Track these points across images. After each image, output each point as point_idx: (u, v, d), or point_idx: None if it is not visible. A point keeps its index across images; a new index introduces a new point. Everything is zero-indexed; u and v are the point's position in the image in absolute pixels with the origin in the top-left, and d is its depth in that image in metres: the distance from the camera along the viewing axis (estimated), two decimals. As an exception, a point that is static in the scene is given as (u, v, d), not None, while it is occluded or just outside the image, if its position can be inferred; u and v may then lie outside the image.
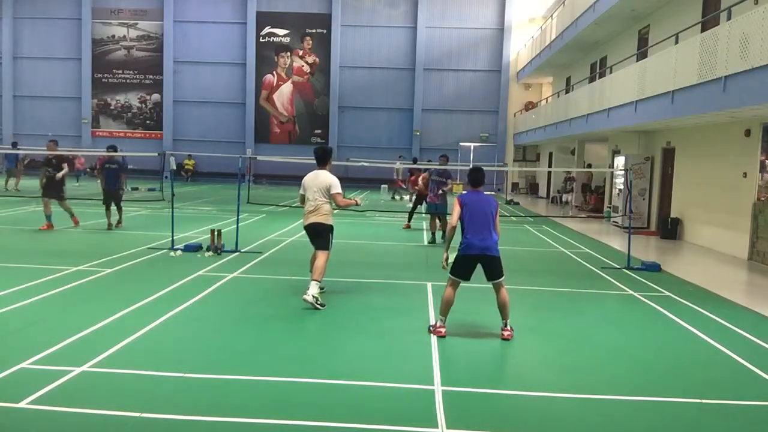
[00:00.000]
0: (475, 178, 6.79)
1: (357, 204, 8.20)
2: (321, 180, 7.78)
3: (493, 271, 6.55)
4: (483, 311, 7.45)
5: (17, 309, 6.98)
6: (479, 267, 6.60)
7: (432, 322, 6.97)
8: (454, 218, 6.61)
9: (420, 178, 15.34)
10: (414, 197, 16.72)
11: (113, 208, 13.98)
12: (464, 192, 6.86)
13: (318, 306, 7.37)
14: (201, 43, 36.47)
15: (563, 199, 25.30)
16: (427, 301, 8.16)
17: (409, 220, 16.17)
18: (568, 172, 24.95)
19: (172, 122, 36.96)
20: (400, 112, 36.27)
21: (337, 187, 7.75)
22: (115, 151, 14.05)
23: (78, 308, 7.20)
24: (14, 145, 27.03)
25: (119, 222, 14.08)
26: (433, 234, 13.92)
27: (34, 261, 9.79)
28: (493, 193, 28.42)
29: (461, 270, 6.59)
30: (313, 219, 7.76)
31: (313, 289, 7.43)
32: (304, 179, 7.93)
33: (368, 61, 36.10)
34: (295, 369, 5.44)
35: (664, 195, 17.32)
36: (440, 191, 13.52)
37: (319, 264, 7.62)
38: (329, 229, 7.85)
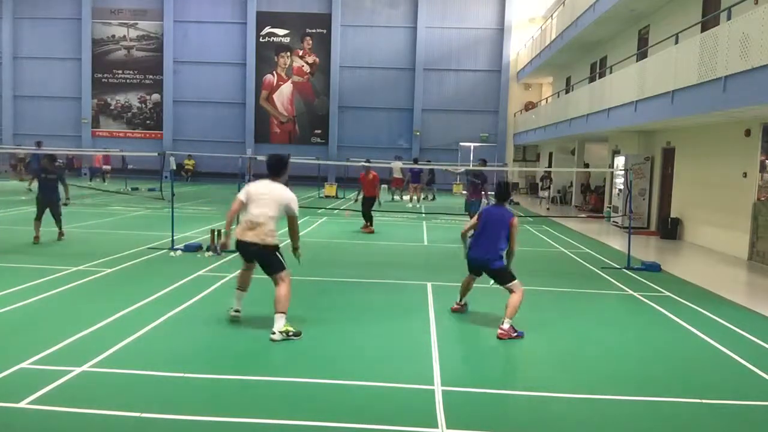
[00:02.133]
0: (499, 193, 7.33)
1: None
2: (277, 193, 6.57)
3: (498, 279, 7.07)
4: (483, 312, 7.46)
5: (17, 309, 6.98)
6: None
7: (432, 322, 7.05)
8: (466, 226, 7.39)
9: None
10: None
11: (50, 219, 11.92)
12: (489, 205, 7.56)
13: (292, 337, 6.28)
14: (201, 43, 36.45)
15: (540, 195, 27.72)
16: (427, 301, 8.16)
17: (370, 224, 15.36)
18: (547, 171, 27.01)
19: (172, 122, 36.94)
20: (400, 112, 36.25)
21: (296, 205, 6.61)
22: (53, 161, 12.26)
23: (78, 308, 7.19)
24: (38, 144, 27.64)
25: (61, 234, 12.10)
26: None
27: (34, 261, 9.79)
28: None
29: (469, 269, 7.34)
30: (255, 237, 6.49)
31: (279, 324, 6.29)
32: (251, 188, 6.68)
33: (368, 61, 36.08)
34: (295, 369, 5.44)
35: (664, 195, 17.32)
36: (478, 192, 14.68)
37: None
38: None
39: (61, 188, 12.11)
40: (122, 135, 37.36)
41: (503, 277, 6.97)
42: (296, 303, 7.54)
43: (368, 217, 15.36)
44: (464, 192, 14.69)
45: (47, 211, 11.93)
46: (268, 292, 7.18)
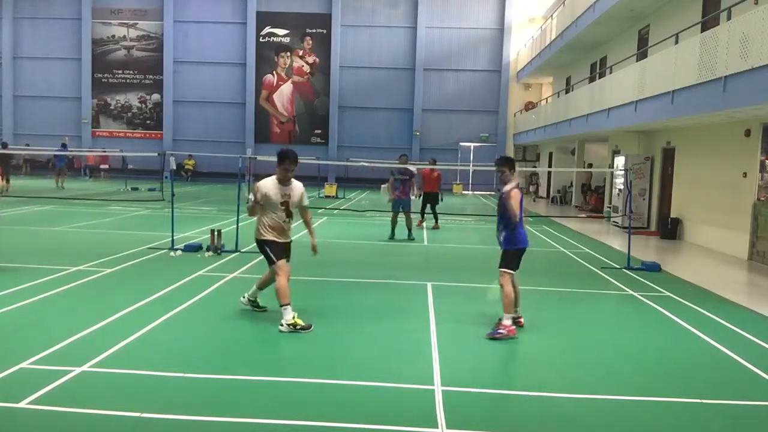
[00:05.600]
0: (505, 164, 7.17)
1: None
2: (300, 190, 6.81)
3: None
4: (483, 312, 7.45)
5: (17, 309, 6.98)
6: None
7: (432, 322, 6.99)
8: (517, 206, 6.78)
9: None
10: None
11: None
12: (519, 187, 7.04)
13: (300, 330, 6.44)
14: (201, 43, 36.46)
15: (529, 190, 30.77)
16: (427, 301, 8.15)
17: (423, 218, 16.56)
18: (534, 170, 31.98)
19: (172, 122, 36.95)
20: (400, 112, 36.26)
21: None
22: None
23: (78, 308, 7.19)
24: (63, 146, 28.49)
25: None
26: (393, 230, 14.27)
27: (34, 261, 9.78)
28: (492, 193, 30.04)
29: (517, 262, 6.81)
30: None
31: (288, 316, 6.47)
32: (265, 185, 6.73)
33: (368, 61, 36.09)
34: (295, 369, 5.44)
35: (664, 195, 17.32)
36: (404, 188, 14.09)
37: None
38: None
39: None
40: (122, 135, 37.37)
41: None
42: (297, 303, 7.54)
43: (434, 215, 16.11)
44: (394, 192, 14.04)
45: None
46: (266, 292, 7.20)
